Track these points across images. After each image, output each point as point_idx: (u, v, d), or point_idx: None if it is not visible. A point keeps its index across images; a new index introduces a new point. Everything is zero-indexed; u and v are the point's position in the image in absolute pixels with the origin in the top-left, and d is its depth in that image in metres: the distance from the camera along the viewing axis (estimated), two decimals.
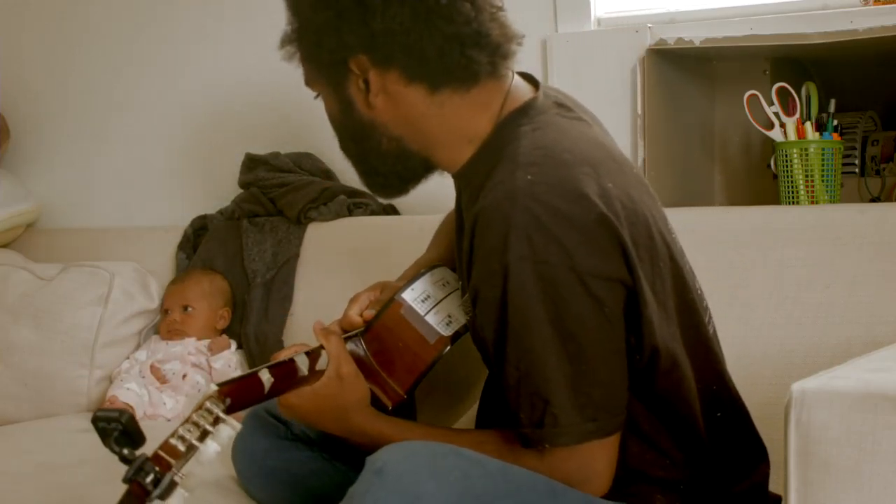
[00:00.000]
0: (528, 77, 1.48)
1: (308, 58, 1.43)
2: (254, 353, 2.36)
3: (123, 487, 1.15)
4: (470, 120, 1.40)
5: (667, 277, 1.36)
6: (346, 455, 1.62)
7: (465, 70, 1.37)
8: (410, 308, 1.46)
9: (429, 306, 1.47)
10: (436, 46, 1.35)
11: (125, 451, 1.14)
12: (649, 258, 1.33)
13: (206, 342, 2.36)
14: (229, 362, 2.32)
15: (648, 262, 1.33)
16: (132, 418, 1.15)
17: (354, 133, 1.44)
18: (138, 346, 2.45)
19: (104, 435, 1.15)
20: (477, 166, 1.39)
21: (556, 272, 1.26)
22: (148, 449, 1.16)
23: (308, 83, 1.46)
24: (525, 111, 1.40)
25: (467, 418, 1.66)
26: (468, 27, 1.36)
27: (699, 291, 1.44)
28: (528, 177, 1.29)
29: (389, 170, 1.45)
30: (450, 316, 1.47)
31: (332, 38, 1.37)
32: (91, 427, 2.30)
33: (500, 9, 1.41)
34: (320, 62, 1.41)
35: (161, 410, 2.27)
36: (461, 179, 1.44)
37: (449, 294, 1.50)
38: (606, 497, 1.33)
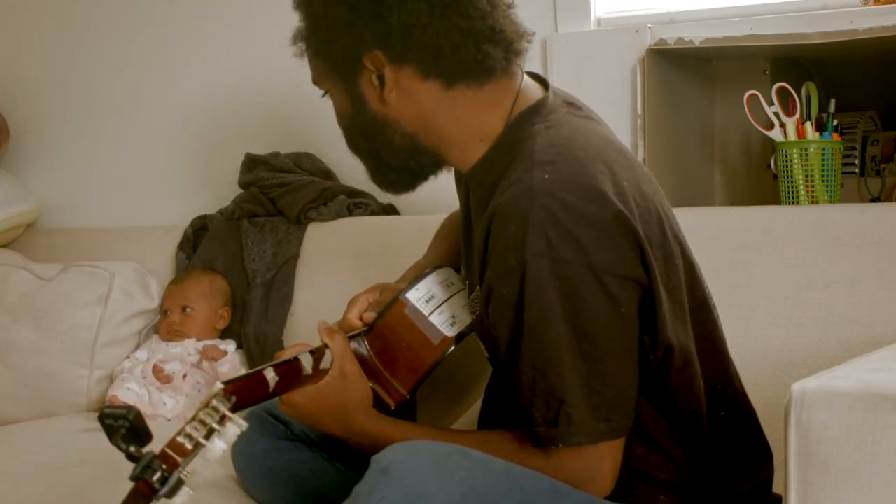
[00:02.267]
0: (536, 77, 1.48)
1: (320, 54, 1.42)
2: (254, 353, 2.36)
3: (126, 487, 1.15)
4: (482, 117, 1.40)
5: (680, 274, 1.36)
6: (346, 455, 1.62)
7: (480, 65, 1.37)
8: (414, 308, 1.46)
9: (433, 306, 1.47)
10: (452, 42, 1.35)
11: (132, 449, 1.14)
12: (663, 255, 1.33)
13: (201, 344, 2.35)
14: (234, 364, 2.32)
15: (662, 260, 1.33)
16: (139, 416, 1.15)
17: (365, 130, 1.43)
18: (138, 346, 2.45)
19: (111, 432, 1.14)
20: (490, 164, 1.39)
21: (572, 270, 1.26)
22: (153, 446, 1.16)
23: (316, 81, 1.45)
24: (537, 110, 1.40)
25: (468, 418, 1.66)
26: (483, 23, 1.36)
27: (708, 290, 1.44)
28: (545, 175, 1.29)
29: (402, 165, 1.44)
30: (454, 316, 1.47)
31: (346, 34, 1.37)
32: (91, 427, 2.31)
33: (511, 6, 1.41)
34: (333, 59, 1.40)
35: (161, 410, 2.27)
36: (472, 178, 1.44)
37: (453, 294, 1.50)
38: (609, 498, 1.33)
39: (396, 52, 1.36)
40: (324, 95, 1.47)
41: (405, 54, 1.36)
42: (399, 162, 1.44)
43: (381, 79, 1.38)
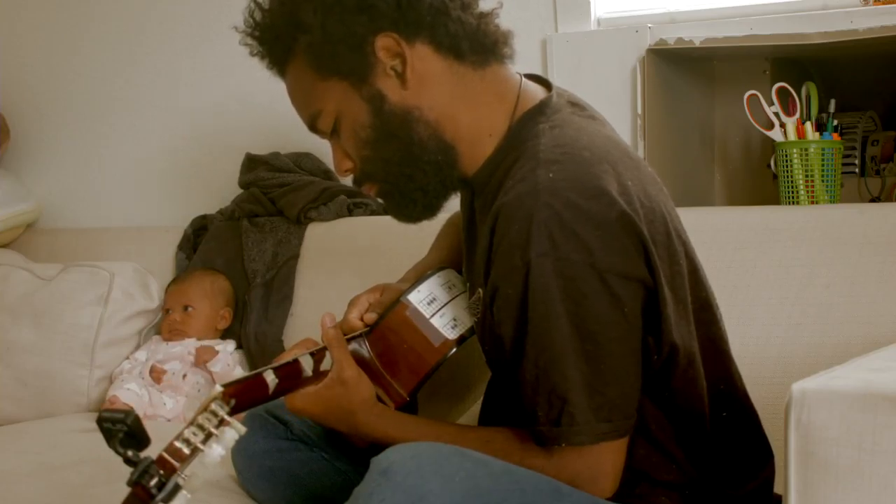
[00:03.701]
0: (539, 79, 1.48)
1: (328, 66, 1.38)
2: (254, 352, 2.36)
3: (125, 488, 1.15)
4: (490, 110, 1.41)
5: (684, 275, 1.36)
6: (346, 455, 1.62)
7: (483, 37, 1.40)
8: (416, 310, 1.45)
9: (434, 309, 1.46)
10: (457, 7, 1.38)
11: (130, 453, 1.14)
12: (667, 256, 1.34)
13: (198, 345, 2.35)
14: (227, 362, 2.32)
15: (667, 260, 1.33)
16: (138, 419, 1.14)
17: (391, 128, 1.39)
18: (138, 346, 2.45)
19: (109, 436, 1.14)
20: (495, 164, 1.40)
21: (576, 270, 1.26)
22: (152, 450, 1.16)
23: (322, 110, 1.42)
24: (541, 109, 1.40)
25: (468, 418, 1.66)
26: (474, 5, 1.41)
27: (711, 290, 1.44)
28: (550, 174, 1.29)
29: (431, 159, 1.41)
30: (455, 319, 1.47)
31: (362, 16, 1.35)
32: (91, 427, 2.30)
33: (485, 14, 1.43)
34: (343, 62, 1.37)
35: (161, 411, 2.27)
36: (477, 182, 1.43)
37: (455, 297, 1.50)
38: (611, 498, 1.33)
39: (410, 24, 1.36)
40: (332, 133, 1.43)
41: (418, 25, 1.36)
42: (429, 156, 1.41)
43: (400, 60, 1.37)
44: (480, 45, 1.40)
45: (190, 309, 2.39)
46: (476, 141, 1.41)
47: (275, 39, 1.43)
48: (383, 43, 1.37)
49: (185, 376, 2.31)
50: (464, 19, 1.39)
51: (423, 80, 1.39)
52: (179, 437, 1.17)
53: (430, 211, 1.47)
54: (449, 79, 1.40)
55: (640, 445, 1.37)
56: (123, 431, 1.13)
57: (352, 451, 1.59)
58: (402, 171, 1.42)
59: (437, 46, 1.38)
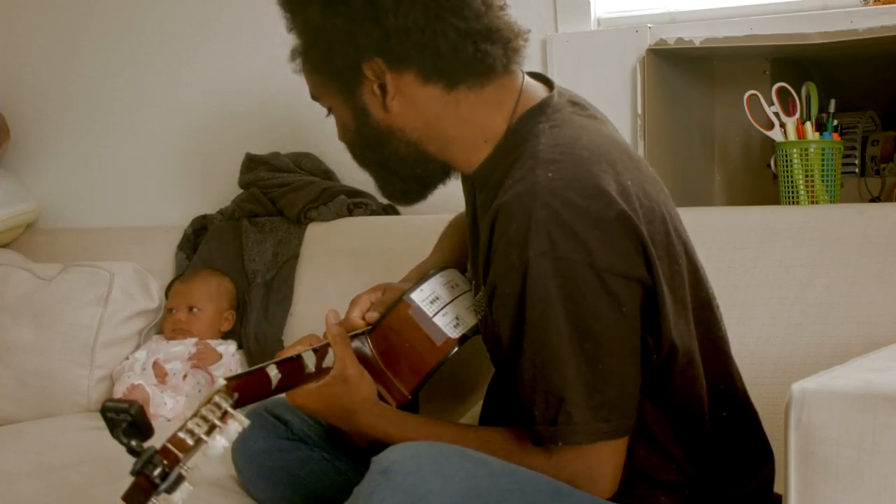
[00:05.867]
0: (540, 77, 1.48)
1: (319, 68, 1.42)
2: (254, 352, 2.36)
3: (126, 483, 1.15)
4: (486, 119, 1.40)
5: (684, 274, 1.36)
6: (346, 455, 1.62)
7: (480, 65, 1.38)
8: (418, 309, 1.46)
9: (437, 308, 1.47)
10: (450, 42, 1.36)
11: (133, 443, 1.14)
12: (666, 255, 1.34)
13: (194, 348, 2.35)
14: (230, 366, 2.32)
15: (666, 259, 1.33)
16: (141, 410, 1.15)
17: (371, 141, 1.43)
18: (138, 346, 2.45)
19: (112, 426, 1.14)
20: (495, 163, 1.40)
21: (575, 269, 1.26)
22: (155, 441, 1.16)
23: (316, 96, 1.45)
24: (542, 109, 1.40)
25: (469, 419, 1.66)
26: (479, 22, 1.37)
27: (712, 290, 1.44)
28: (549, 173, 1.29)
29: (409, 173, 1.45)
30: (457, 318, 1.47)
31: (345, 43, 1.37)
32: (91, 426, 2.30)
33: (504, 7, 1.42)
34: (333, 70, 1.40)
35: (161, 411, 2.27)
36: (478, 179, 1.44)
37: (458, 296, 1.50)
38: (611, 499, 1.33)
39: (395, 58, 1.37)
40: (328, 115, 1.47)
41: (404, 59, 1.37)
42: (406, 170, 1.44)
43: (383, 87, 1.38)
44: (477, 72, 1.39)
45: (195, 310, 2.39)
46: (469, 149, 1.42)
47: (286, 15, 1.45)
48: (370, 66, 1.38)
49: (185, 376, 2.31)
50: (460, 49, 1.36)
51: (409, 105, 1.39)
52: (183, 428, 1.17)
53: (415, 197, 1.50)
54: (437, 102, 1.39)
55: (639, 446, 1.37)
56: (127, 421, 1.14)
57: (352, 451, 1.59)
58: (380, 174, 1.48)
59: (426, 78, 1.38)
